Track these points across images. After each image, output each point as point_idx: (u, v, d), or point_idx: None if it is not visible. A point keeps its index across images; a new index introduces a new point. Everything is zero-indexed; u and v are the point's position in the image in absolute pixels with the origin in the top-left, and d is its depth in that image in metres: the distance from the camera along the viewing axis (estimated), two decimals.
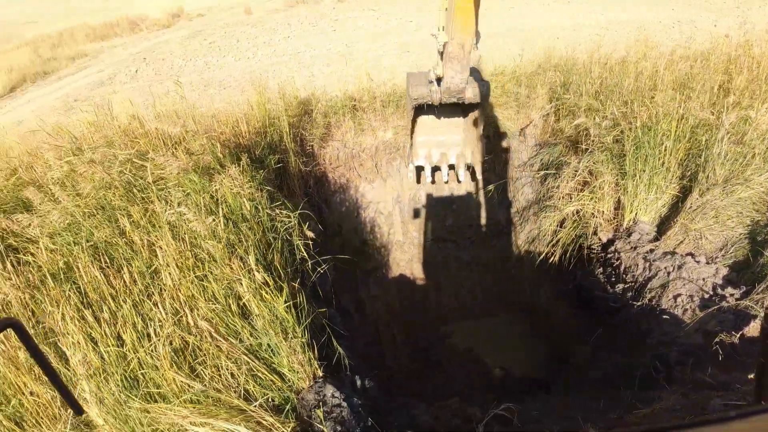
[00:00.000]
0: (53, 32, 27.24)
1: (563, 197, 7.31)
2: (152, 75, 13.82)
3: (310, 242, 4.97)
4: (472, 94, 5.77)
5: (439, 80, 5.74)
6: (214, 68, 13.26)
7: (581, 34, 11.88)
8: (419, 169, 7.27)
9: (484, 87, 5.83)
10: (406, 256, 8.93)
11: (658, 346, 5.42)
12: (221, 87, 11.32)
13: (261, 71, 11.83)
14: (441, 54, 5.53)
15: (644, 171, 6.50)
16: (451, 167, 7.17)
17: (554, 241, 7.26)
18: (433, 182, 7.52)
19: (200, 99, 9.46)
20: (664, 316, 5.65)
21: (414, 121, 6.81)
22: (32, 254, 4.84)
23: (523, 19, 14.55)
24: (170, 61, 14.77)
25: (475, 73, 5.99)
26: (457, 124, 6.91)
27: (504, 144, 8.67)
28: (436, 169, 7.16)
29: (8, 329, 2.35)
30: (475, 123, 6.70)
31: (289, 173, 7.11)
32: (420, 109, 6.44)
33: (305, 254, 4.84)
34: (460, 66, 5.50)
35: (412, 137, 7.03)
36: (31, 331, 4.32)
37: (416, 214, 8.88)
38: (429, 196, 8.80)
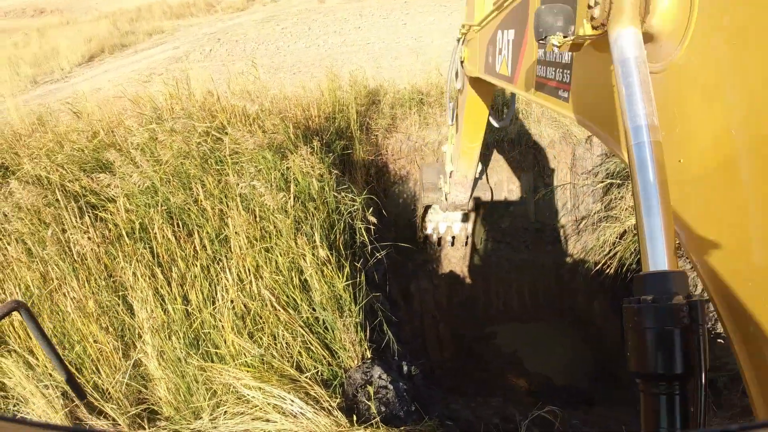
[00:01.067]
0: (132, 7, 28.47)
1: (626, 209, 7.15)
2: (225, 55, 14.28)
3: (372, 227, 5.10)
4: (471, 206, 7.13)
5: (450, 173, 6.77)
6: (285, 53, 13.59)
7: None
8: (427, 236, 8.65)
9: (487, 194, 7.10)
10: (458, 254, 8.95)
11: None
12: (291, 72, 11.61)
13: (330, 59, 12.06)
14: (449, 174, 6.66)
15: None
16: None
17: (612, 254, 7.12)
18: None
19: (271, 81, 9.75)
20: (718, 340, 5.48)
21: (426, 209, 8.22)
22: (110, 212, 5.15)
23: None
24: (243, 44, 15.21)
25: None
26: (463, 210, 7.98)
27: (568, 150, 8.54)
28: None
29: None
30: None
31: (353, 160, 7.27)
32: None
33: (366, 239, 4.96)
34: (464, 189, 6.71)
35: (423, 216, 8.40)
36: (103, 284, 4.63)
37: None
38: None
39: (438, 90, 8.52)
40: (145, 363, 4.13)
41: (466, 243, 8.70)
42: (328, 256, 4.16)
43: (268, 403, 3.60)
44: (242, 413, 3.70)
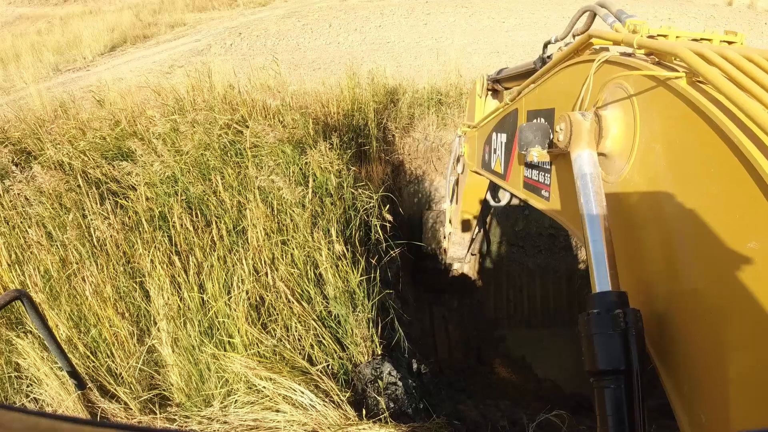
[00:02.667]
0: None
1: None
2: (246, 49, 14.35)
3: (388, 225, 5.12)
4: (469, 259, 7.54)
5: (450, 233, 7.22)
6: (305, 49, 13.64)
7: None
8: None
9: (483, 246, 7.60)
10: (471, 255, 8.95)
11: None
12: (311, 68, 11.66)
13: (350, 57, 12.08)
14: (449, 234, 7.07)
15: None
16: None
17: None
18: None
19: (290, 77, 9.80)
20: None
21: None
22: (131, 200, 5.22)
23: None
24: (264, 39, 15.27)
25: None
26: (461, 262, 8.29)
27: None
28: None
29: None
30: None
31: (370, 158, 7.30)
32: None
33: (381, 236, 4.98)
34: (461, 247, 7.12)
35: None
36: (121, 270, 4.70)
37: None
38: None
39: (457, 91, 8.53)
40: (158, 349, 4.18)
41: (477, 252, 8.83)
42: (343, 251, 4.19)
43: (279, 394, 3.64)
44: (253, 403, 3.74)
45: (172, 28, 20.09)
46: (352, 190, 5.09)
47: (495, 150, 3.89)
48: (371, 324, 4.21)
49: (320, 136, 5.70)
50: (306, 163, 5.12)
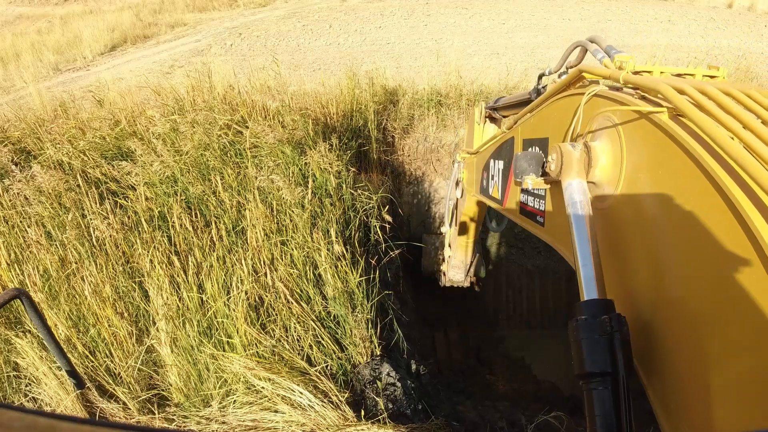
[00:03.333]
0: None
1: None
2: (246, 50, 14.35)
3: (387, 226, 5.12)
4: (468, 283, 7.60)
5: (449, 257, 7.37)
6: (306, 50, 13.64)
7: (678, 55, 11.44)
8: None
9: (482, 270, 7.64)
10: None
11: None
12: (311, 69, 11.67)
13: (351, 58, 12.10)
14: (448, 257, 7.21)
15: None
16: None
17: None
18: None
19: (291, 78, 9.80)
20: None
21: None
22: (130, 200, 5.22)
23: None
24: (264, 39, 15.27)
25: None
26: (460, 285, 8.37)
27: None
28: None
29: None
30: None
31: (369, 159, 7.30)
32: None
33: (380, 237, 4.99)
34: (460, 270, 7.29)
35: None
36: (120, 269, 4.70)
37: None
38: None
39: (457, 92, 8.53)
40: (157, 349, 4.18)
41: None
42: (342, 252, 4.19)
43: (277, 394, 3.64)
44: (251, 403, 3.74)
45: (173, 28, 20.07)
46: (352, 191, 5.09)
47: (493, 176, 4.03)
48: (370, 325, 4.21)
49: (320, 137, 5.70)
50: (306, 163, 5.12)
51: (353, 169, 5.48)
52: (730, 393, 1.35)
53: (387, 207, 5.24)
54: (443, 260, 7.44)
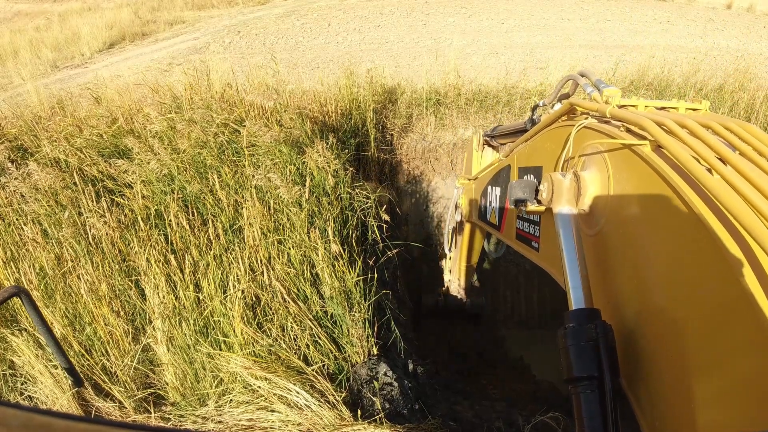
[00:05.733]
0: None
1: None
2: (245, 48, 14.32)
3: (384, 226, 5.11)
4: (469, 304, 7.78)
5: (449, 281, 7.52)
6: (304, 48, 13.61)
7: (677, 55, 11.44)
8: None
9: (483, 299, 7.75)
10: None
11: None
12: (310, 67, 11.64)
13: (349, 56, 12.07)
14: (447, 282, 7.38)
15: None
16: None
17: None
18: None
19: (289, 76, 9.78)
20: None
21: None
22: (127, 198, 5.20)
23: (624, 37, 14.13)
24: (263, 37, 15.24)
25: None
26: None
27: None
28: None
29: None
30: None
31: (368, 158, 7.29)
32: None
33: (378, 236, 4.98)
34: (459, 296, 7.38)
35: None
36: (116, 268, 4.68)
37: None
38: None
39: (455, 92, 8.52)
40: (154, 348, 4.17)
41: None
42: (340, 251, 4.18)
43: (274, 394, 3.63)
44: (248, 402, 3.73)
45: (171, 26, 20.02)
46: (349, 190, 5.08)
47: (490, 202, 4.15)
48: (367, 324, 4.20)
49: (317, 135, 5.69)
50: (303, 162, 5.11)
51: (351, 169, 5.47)
52: (713, 400, 1.42)
53: (385, 206, 5.24)
54: (444, 287, 7.53)
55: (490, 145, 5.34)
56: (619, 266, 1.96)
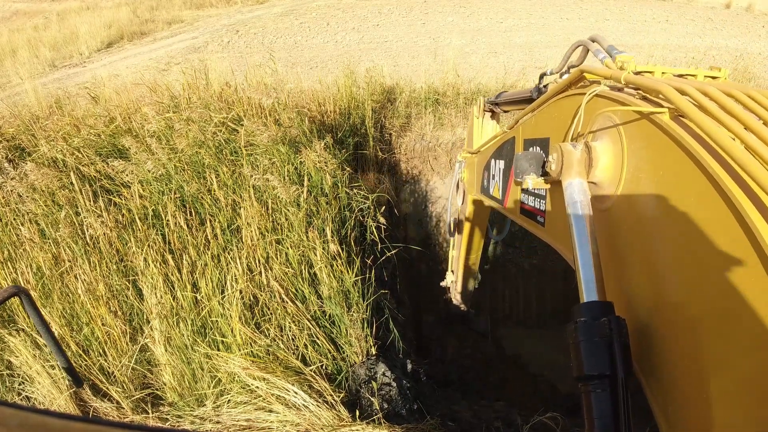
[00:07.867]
0: None
1: None
2: (243, 47, 14.30)
3: (383, 226, 5.10)
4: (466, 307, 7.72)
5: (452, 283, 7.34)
6: (303, 47, 13.59)
7: (676, 55, 11.45)
8: None
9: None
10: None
11: None
12: (308, 66, 11.62)
13: (348, 56, 12.05)
14: (450, 283, 7.22)
15: None
16: None
17: None
18: None
19: (287, 75, 9.76)
20: None
21: None
22: (124, 197, 5.19)
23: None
24: (261, 36, 15.21)
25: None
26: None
27: None
28: None
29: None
30: None
31: (366, 158, 7.28)
32: None
33: (376, 236, 4.96)
34: (460, 302, 7.29)
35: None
36: (114, 267, 4.66)
37: None
38: None
39: (454, 91, 8.51)
40: (151, 348, 4.15)
41: None
42: (338, 251, 4.17)
43: (272, 394, 3.62)
44: (245, 402, 3.72)
45: (170, 25, 19.99)
46: (348, 190, 5.07)
47: (493, 176, 4.01)
48: (366, 324, 4.19)
49: (316, 135, 5.67)
50: (301, 162, 5.09)
51: (349, 169, 5.46)
52: (729, 396, 1.33)
53: (384, 206, 5.23)
54: (447, 287, 7.43)
55: (492, 113, 5.14)
56: (631, 247, 1.85)
